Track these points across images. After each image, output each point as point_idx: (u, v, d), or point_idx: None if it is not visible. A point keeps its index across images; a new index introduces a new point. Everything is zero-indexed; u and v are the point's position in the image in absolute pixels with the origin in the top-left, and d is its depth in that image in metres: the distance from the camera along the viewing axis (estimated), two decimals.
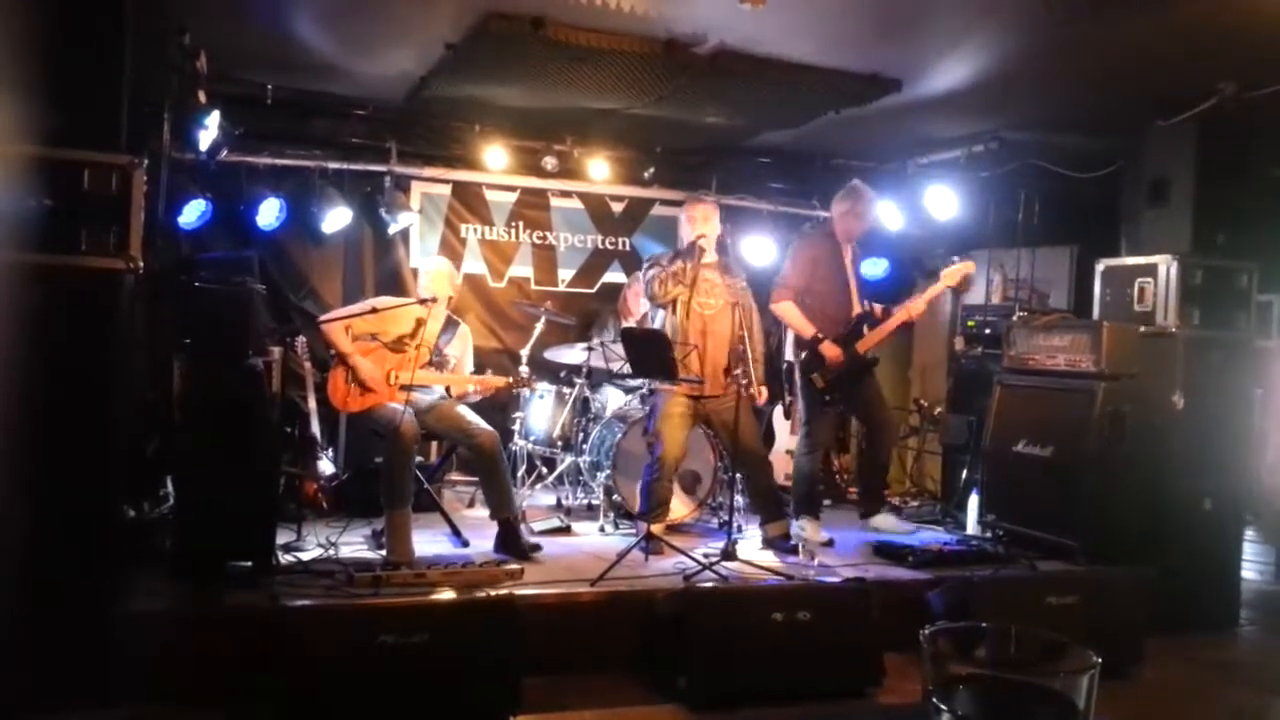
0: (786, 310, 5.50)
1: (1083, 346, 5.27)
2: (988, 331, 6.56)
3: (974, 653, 1.07)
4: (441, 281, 5.30)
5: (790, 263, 5.66)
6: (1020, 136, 6.42)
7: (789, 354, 5.56)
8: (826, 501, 6.75)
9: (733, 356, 5.20)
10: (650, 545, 4.92)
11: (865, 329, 5.56)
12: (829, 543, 5.48)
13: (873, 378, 5.70)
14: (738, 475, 5.46)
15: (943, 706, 0.98)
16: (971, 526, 5.76)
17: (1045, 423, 5.34)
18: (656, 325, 5.33)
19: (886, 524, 5.75)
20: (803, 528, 5.50)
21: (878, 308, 5.67)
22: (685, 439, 5.21)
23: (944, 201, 6.84)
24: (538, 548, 4.95)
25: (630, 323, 6.48)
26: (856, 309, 5.63)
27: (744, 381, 5.09)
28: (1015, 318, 5.97)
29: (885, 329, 5.58)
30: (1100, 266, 5.65)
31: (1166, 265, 5.23)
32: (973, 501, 5.81)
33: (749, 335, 5.18)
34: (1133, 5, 4.21)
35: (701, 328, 5.18)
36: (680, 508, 5.73)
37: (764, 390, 5.39)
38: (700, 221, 5.25)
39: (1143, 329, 5.25)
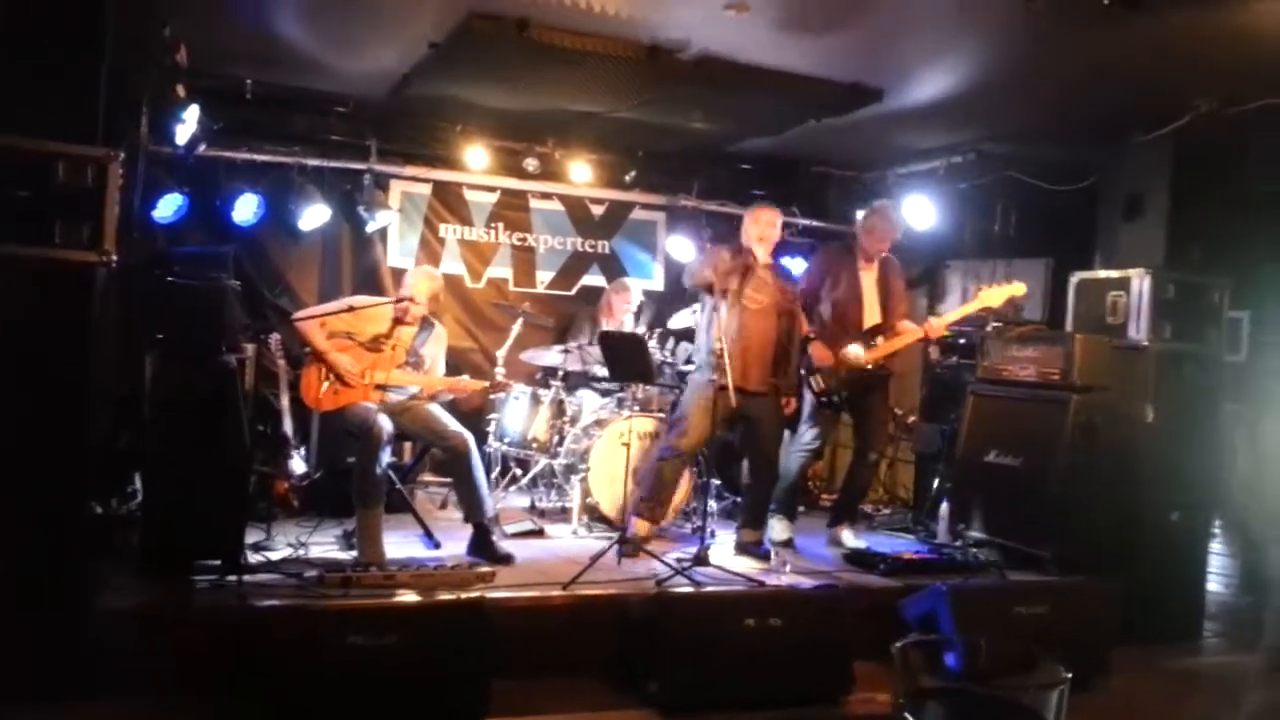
0: None
1: (1055, 358, 5.31)
2: (962, 341, 6.60)
3: (945, 666, 1.08)
4: (423, 284, 5.27)
5: (807, 269, 5.83)
6: (999, 149, 6.48)
7: None
8: (800, 508, 6.78)
9: (778, 358, 5.29)
10: (624, 549, 4.91)
11: (878, 340, 5.48)
12: (788, 542, 5.54)
13: (882, 401, 5.67)
14: (714, 481, 5.44)
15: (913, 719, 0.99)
16: (943, 535, 5.78)
17: (1017, 433, 5.38)
18: (702, 318, 5.32)
19: (842, 536, 5.70)
20: (771, 526, 5.52)
21: (906, 324, 5.57)
22: (709, 430, 5.13)
23: (922, 211, 6.89)
24: (510, 559, 4.87)
25: (611, 326, 6.47)
26: (873, 321, 5.53)
27: (783, 384, 5.29)
28: (989, 328, 5.99)
29: (896, 344, 5.48)
30: (1074, 279, 5.69)
31: (1140, 279, 5.27)
32: (944, 510, 5.83)
33: (792, 344, 5.33)
34: (1111, 22, 4.26)
35: (744, 321, 5.16)
36: None
37: (792, 402, 5.48)
38: (764, 225, 5.25)
39: (1115, 342, 5.30)
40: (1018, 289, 5.51)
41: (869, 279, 5.61)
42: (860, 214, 5.84)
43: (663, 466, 5.24)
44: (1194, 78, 4.94)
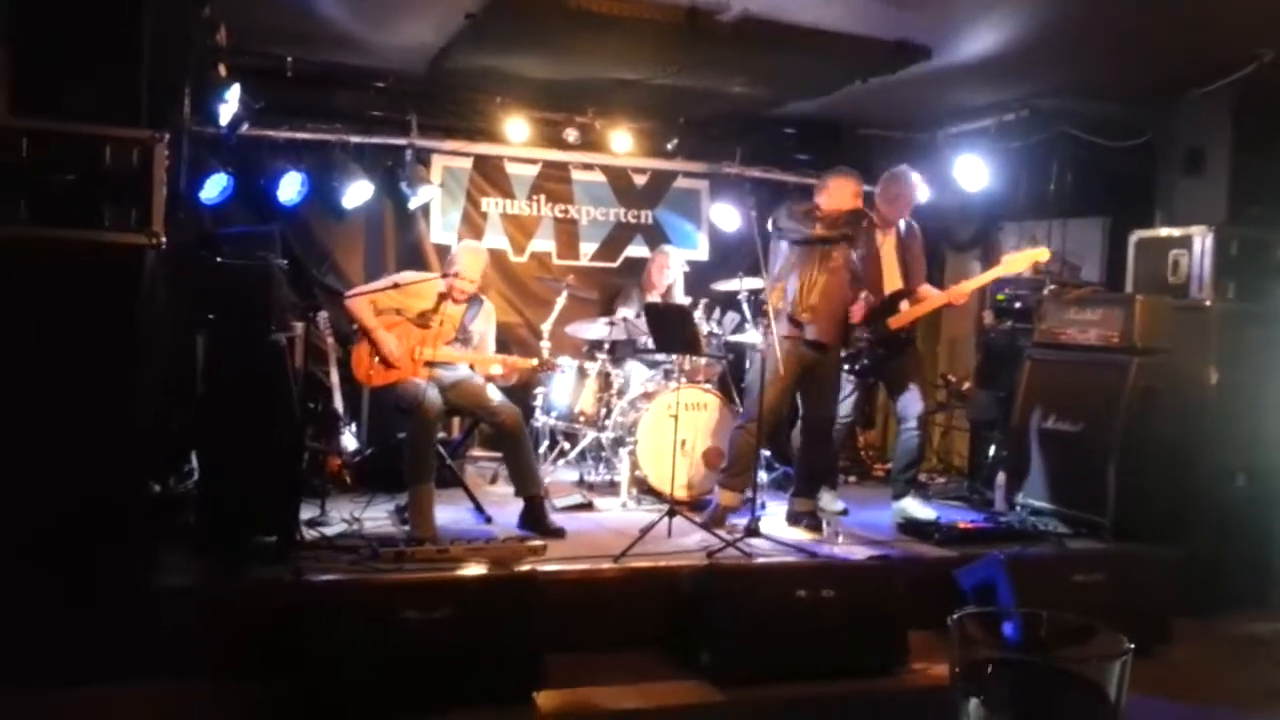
0: None
1: (1115, 320, 5.18)
2: (1018, 305, 6.45)
3: (1003, 636, 1.04)
4: (474, 263, 5.27)
5: None
6: (1052, 105, 6.29)
7: None
8: (851, 478, 6.73)
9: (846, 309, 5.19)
10: (712, 519, 4.98)
11: (902, 306, 5.45)
12: (841, 512, 5.52)
13: (913, 366, 5.60)
14: (765, 452, 5.39)
15: (970, 691, 0.95)
16: (999, 503, 5.69)
17: (1076, 398, 5.27)
18: (778, 262, 5.17)
19: (910, 507, 5.64)
20: (822, 497, 5.48)
21: (928, 289, 5.56)
22: (783, 395, 5.08)
23: (974, 172, 6.71)
24: (562, 532, 4.85)
25: (654, 297, 6.42)
26: (894, 287, 5.51)
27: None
28: (1046, 291, 5.87)
29: (922, 309, 5.48)
30: (1134, 238, 5.56)
31: (1202, 237, 5.12)
32: (1000, 478, 5.74)
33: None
34: None
35: (819, 271, 5.05)
36: (704, 483, 5.72)
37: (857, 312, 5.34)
38: (855, 196, 5.15)
39: (1177, 302, 5.15)
40: (1041, 253, 5.46)
41: (888, 245, 5.55)
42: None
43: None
44: (1255, 27, 4.74)
